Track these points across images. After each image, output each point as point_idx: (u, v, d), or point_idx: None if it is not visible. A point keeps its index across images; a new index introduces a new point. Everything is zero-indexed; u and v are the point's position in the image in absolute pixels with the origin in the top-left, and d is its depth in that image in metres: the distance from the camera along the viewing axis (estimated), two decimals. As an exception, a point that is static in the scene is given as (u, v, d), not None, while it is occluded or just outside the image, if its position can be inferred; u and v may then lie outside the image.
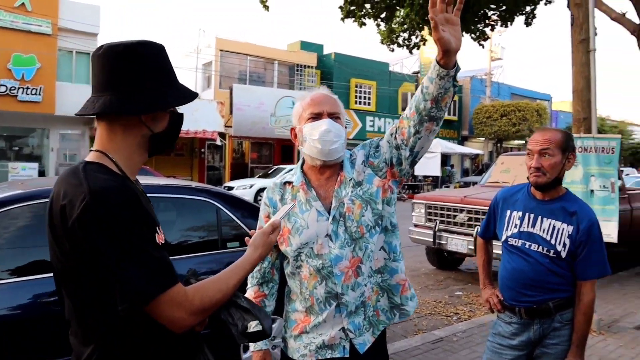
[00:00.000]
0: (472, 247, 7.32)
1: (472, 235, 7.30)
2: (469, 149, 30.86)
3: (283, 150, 26.69)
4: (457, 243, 7.53)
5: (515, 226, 2.40)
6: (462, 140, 34.15)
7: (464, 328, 5.26)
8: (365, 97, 29.22)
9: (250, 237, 1.65)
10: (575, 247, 2.25)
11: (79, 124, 21.92)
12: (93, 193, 1.17)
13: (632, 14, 6.37)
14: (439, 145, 25.66)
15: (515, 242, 2.40)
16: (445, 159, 29.17)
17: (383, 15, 8.49)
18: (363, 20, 8.55)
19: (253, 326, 1.47)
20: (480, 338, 4.96)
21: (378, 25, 8.86)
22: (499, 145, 32.80)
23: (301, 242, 1.86)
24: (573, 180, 5.27)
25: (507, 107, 30.37)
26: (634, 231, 8.08)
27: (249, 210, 4.28)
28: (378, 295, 1.91)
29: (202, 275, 1.47)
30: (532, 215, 2.36)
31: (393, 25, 8.83)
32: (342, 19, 8.62)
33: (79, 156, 22.54)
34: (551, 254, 2.28)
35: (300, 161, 2.05)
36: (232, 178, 22.83)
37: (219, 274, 1.37)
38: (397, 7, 8.47)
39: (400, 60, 33.20)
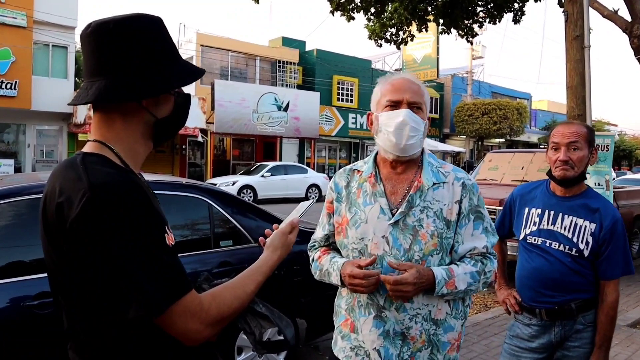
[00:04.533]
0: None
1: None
2: (451, 146, 31.03)
3: (265, 147, 26.45)
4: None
5: (535, 224, 2.30)
6: (443, 138, 34.29)
7: (459, 327, 5.18)
8: (347, 94, 29.10)
9: (265, 237, 1.52)
10: (598, 246, 2.16)
11: (56, 120, 21.45)
12: (94, 188, 1.03)
13: (624, 12, 6.37)
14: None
15: (534, 240, 2.29)
16: (427, 156, 29.23)
17: (373, 10, 8.39)
18: (352, 14, 8.44)
19: (272, 335, 1.34)
20: (476, 337, 4.89)
21: (369, 19, 8.75)
22: (479, 143, 33.03)
23: (357, 237, 1.73)
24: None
25: (489, 106, 30.55)
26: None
27: (241, 207, 4.12)
28: (423, 346, 1.70)
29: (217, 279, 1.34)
30: (552, 213, 2.26)
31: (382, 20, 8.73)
32: (332, 12, 8.47)
33: (56, 152, 22.05)
34: (573, 253, 2.19)
35: (375, 151, 1.90)
36: (214, 175, 22.55)
37: (235, 279, 1.24)
38: (388, 2, 8.37)
39: (382, 58, 33.20)
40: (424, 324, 1.69)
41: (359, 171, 1.85)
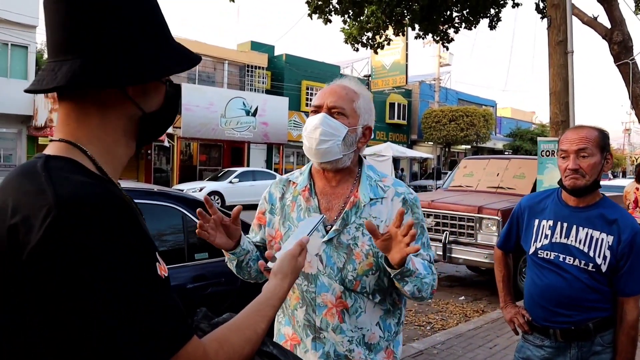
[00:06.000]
0: (440, 253, 7.16)
1: (439, 240, 7.13)
2: (419, 152, 31.17)
3: (233, 153, 26.01)
4: (424, 248, 7.33)
5: (546, 237, 2.13)
6: (411, 144, 34.47)
7: (443, 339, 5.01)
8: (316, 100, 28.95)
9: (266, 260, 1.30)
10: (616, 260, 1.99)
11: (14, 122, 20.61)
12: (62, 204, 0.76)
13: (603, 18, 6.37)
14: (390, 149, 25.69)
15: (547, 255, 2.12)
16: (395, 162, 29.32)
17: (350, 12, 8.26)
18: (329, 16, 8.29)
19: None
20: (461, 350, 4.72)
21: (345, 21, 8.60)
22: (447, 149, 33.32)
23: None
24: (552, 184, 5.14)
25: (456, 112, 30.84)
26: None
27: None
28: None
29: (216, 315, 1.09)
30: (565, 225, 2.09)
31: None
32: (310, 15, 8.32)
33: (14, 157, 21.19)
34: (590, 268, 2.02)
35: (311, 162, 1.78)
36: (180, 181, 22.03)
37: (241, 317, 0.99)
38: (365, 5, 8.24)
39: (351, 63, 33.17)
40: (363, 350, 1.62)
41: (294, 183, 1.76)
